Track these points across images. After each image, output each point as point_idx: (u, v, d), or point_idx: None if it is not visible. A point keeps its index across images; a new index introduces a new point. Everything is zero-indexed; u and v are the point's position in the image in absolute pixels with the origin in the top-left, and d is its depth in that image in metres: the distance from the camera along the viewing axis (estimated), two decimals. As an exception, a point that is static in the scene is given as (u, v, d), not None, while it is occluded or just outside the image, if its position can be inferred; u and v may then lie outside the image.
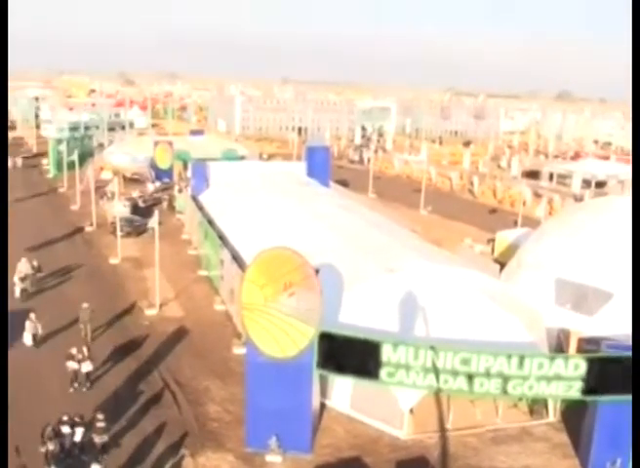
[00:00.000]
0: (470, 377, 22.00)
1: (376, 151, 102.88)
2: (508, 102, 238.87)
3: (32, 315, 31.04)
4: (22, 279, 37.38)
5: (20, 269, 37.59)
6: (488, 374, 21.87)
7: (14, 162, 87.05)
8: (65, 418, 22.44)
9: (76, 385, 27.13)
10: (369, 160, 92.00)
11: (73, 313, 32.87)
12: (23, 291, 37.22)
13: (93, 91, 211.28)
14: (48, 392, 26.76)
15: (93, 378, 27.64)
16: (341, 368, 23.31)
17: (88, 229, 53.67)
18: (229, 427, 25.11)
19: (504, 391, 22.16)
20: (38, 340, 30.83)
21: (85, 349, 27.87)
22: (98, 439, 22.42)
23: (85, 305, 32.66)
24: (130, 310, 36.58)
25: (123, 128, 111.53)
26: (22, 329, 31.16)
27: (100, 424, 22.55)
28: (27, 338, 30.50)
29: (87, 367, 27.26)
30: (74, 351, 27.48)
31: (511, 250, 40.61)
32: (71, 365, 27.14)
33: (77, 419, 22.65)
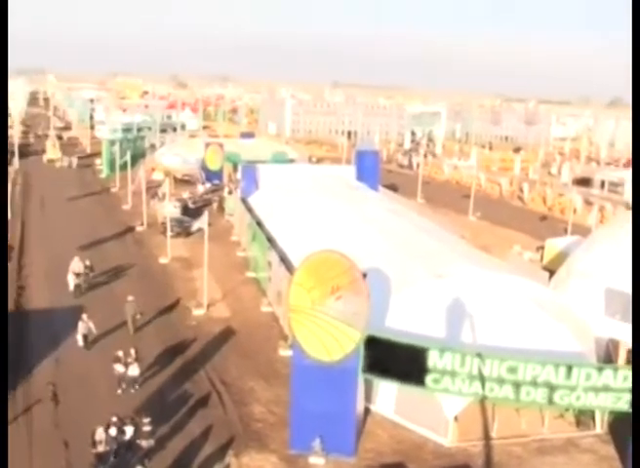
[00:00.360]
0: (517, 386, 21.85)
1: (425, 156, 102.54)
2: (560, 108, 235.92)
3: (84, 316, 31.26)
4: (77, 274, 38.26)
5: (73, 267, 38.44)
6: (535, 383, 21.70)
7: (69, 161, 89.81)
8: (115, 419, 22.61)
9: (123, 387, 27.20)
10: (418, 165, 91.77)
11: (136, 333, 33.47)
12: (77, 286, 38.14)
13: (146, 93, 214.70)
14: (96, 394, 27.01)
15: (140, 380, 27.75)
16: (387, 372, 23.36)
17: (139, 229, 54.59)
18: (273, 428, 25.25)
19: (551, 401, 21.96)
20: (89, 341, 31.10)
21: (133, 351, 27.76)
22: (144, 443, 22.60)
23: (130, 298, 33.76)
24: (178, 310, 37.10)
25: (175, 129, 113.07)
26: (73, 325, 31.88)
27: (147, 428, 22.77)
28: (79, 339, 30.79)
29: (134, 370, 27.21)
30: (120, 354, 27.57)
31: (561, 258, 40.10)
32: (118, 367, 27.18)
33: (126, 420, 22.87)
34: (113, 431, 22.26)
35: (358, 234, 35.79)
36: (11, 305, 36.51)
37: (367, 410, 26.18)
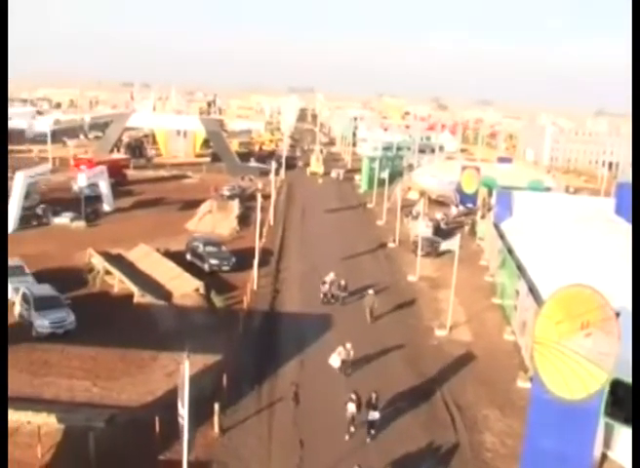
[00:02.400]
0: None
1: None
2: None
3: (349, 345, 30.78)
4: (323, 282, 40.24)
5: (328, 280, 40.45)
6: None
7: (337, 173, 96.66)
8: None
9: (353, 430, 25.62)
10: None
11: (378, 343, 34.29)
12: (324, 295, 40.03)
13: (407, 113, 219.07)
14: (333, 405, 27.13)
15: (378, 424, 25.96)
16: (630, 419, 22.13)
17: (390, 245, 56.00)
18: (504, 460, 24.85)
19: None
20: (347, 367, 30.62)
21: (374, 396, 25.83)
22: None
23: (370, 291, 37.42)
24: (421, 328, 37.61)
25: (433, 151, 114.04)
26: (321, 332, 33.61)
27: None
28: (335, 361, 30.30)
29: (373, 415, 25.61)
30: (354, 396, 25.79)
31: None
32: (350, 408, 25.60)
33: None
34: None
35: (613, 270, 34.16)
36: (265, 306, 39.16)
37: (604, 456, 24.98)
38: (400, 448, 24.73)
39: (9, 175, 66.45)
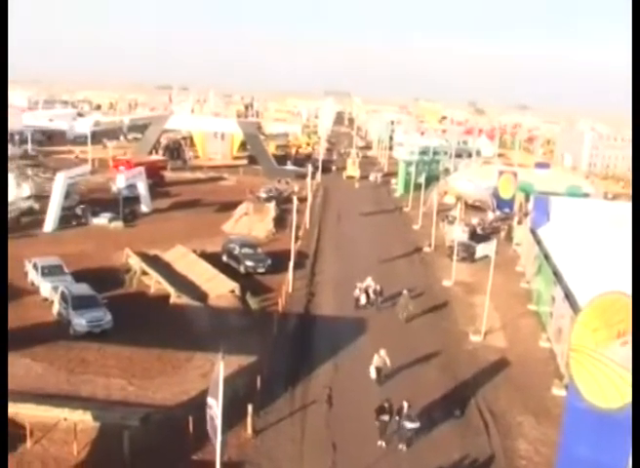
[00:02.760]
0: None
1: None
2: None
3: (383, 351, 30.63)
4: (366, 292, 40.13)
5: (364, 285, 40.38)
6: None
7: (375, 177, 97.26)
8: None
9: (386, 438, 25.40)
10: None
11: (413, 348, 34.14)
12: (358, 300, 39.91)
13: (444, 118, 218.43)
14: (367, 409, 26.70)
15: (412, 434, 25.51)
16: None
17: (426, 250, 55.78)
18: (537, 468, 24.68)
19: None
20: (382, 377, 30.24)
21: (405, 404, 25.60)
22: None
23: (405, 292, 37.83)
24: (455, 333, 37.39)
25: (470, 155, 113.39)
26: (355, 336, 33.52)
27: None
28: (372, 372, 30.13)
29: (409, 424, 25.18)
30: (386, 405, 25.62)
31: None
32: (382, 417, 25.35)
33: None
34: None
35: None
36: (300, 309, 39.25)
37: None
38: (433, 454, 24.69)
39: (49, 175, 68.25)
